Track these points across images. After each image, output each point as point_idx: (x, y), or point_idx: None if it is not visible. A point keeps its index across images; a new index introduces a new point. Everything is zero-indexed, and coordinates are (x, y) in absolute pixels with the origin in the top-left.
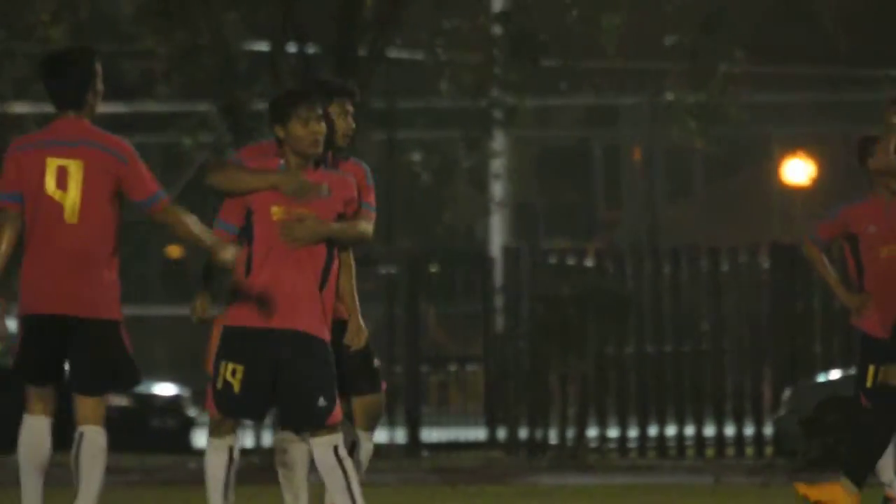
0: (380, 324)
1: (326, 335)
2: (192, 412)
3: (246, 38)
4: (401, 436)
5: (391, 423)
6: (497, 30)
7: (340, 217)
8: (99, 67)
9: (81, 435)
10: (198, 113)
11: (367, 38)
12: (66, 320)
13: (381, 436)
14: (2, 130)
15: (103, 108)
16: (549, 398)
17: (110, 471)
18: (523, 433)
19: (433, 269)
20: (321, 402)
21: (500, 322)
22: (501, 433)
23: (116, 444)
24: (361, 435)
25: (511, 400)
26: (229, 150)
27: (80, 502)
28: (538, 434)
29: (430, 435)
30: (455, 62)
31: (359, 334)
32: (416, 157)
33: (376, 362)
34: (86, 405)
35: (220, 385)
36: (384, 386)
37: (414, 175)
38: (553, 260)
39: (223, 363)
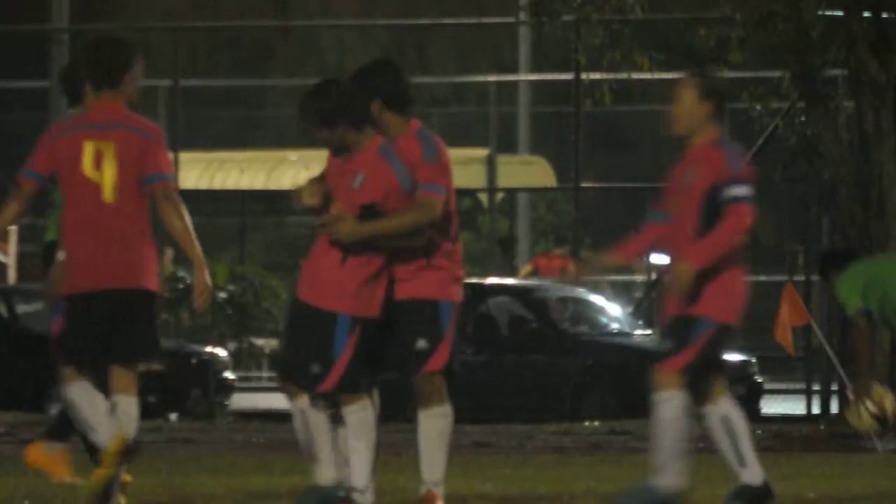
0: None
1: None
2: (759, 378)
3: (821, 4)
4: None
5: None
6: None
7: (371, 209)
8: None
9: (115, 404)
10: (770, 79)
11: None
12: (109, 294)
13: None
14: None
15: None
16: None
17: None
18: None
19: None
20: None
21: None
22: None
23: None
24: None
25: None
26: (800, 118)
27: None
28: None
29: None
30: None
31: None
32: None
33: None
34: (123, 376)
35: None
36: None
37: None
38: None
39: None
